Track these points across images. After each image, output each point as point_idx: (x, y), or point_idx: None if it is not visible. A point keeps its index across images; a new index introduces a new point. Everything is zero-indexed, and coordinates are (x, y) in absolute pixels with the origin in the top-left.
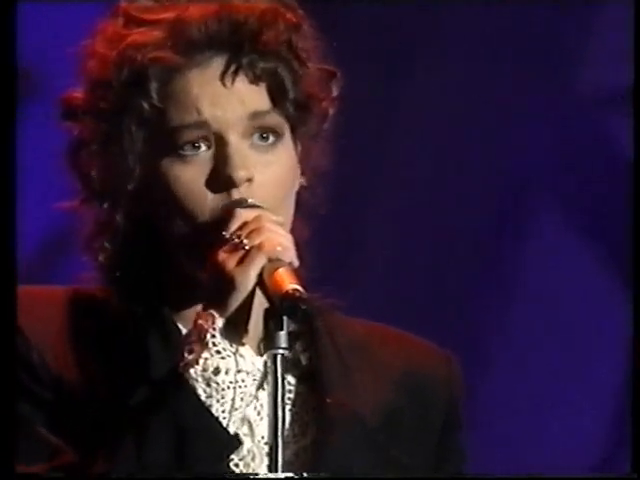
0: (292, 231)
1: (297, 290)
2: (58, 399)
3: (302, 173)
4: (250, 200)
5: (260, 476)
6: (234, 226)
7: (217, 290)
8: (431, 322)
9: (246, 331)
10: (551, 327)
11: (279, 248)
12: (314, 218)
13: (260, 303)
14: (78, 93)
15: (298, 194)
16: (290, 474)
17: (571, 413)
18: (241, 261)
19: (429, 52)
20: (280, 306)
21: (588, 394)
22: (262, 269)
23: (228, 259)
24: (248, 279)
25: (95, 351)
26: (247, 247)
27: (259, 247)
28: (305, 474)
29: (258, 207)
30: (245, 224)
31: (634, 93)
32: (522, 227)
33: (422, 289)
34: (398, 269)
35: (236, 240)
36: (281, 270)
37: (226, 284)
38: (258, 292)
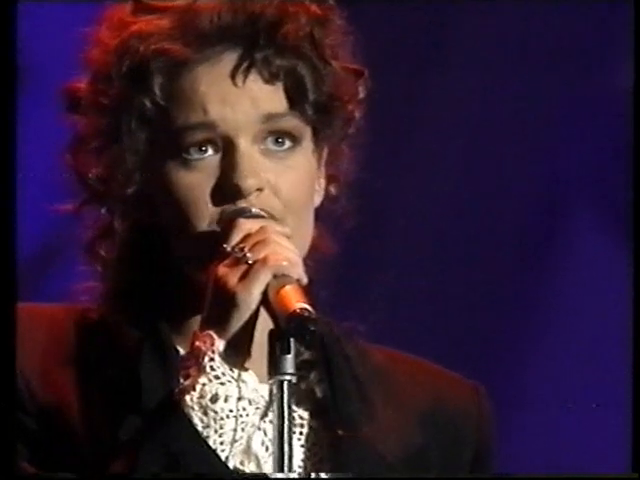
0: (315, 247)
1: (305, 309)
2: (44, 429)
3: (325, 182)
4: (254, 209)
5: (256, 476)
6: (236, 238)
7: (217, 309)
8: (457, 351)
9: (249, 354)
10: (576, 356)
11: (285, 263)
12: (338, 232)
13: (264, 324)
14: (82, 84)
15: (321, 205)
16: (293, 474)
17: (570, 412)
18: (243, 277)
19: (459, 51)
20: (286, 327)
21: (591, 394)
22: (267, 286)
23: (229, 274)
24: (251, 297)
25: (85, 375)
26: (250, 261)
27: (263, 261)
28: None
29: (263, 217)
30: (248, 236)
31: (634, 93)
32: (555, 254)
33: (449, 315)
34: (424, 293)
35: (238, 253)
36: (288, 287)
37: (227, 302)
38: (262, 311)
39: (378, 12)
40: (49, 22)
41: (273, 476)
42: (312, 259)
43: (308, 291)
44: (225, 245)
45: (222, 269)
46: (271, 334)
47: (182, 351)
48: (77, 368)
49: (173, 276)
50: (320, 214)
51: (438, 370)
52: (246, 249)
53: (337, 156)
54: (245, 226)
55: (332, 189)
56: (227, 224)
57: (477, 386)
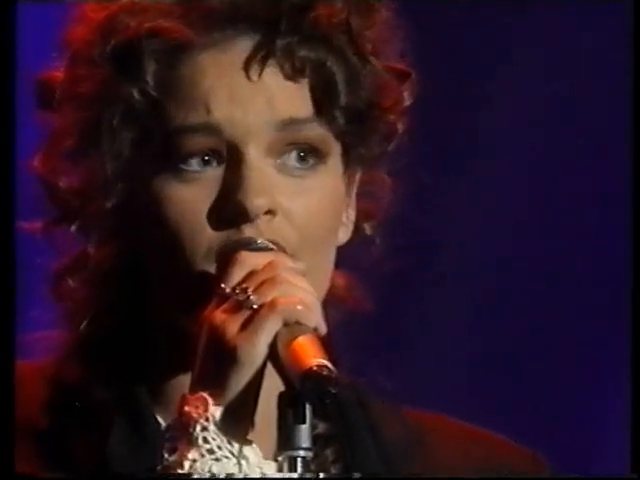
0: (341, 299)
1: (324, 367)
2: None
3: (356, 216)
4: (260, 240)
5: (260, 476)
6: (237, 275)
7: (212, 366)
8: (504, 413)
9: (252, 424)
10: None
11: (299, 307)
12: (371, 280)
13: (272, 385)
14: (60, 72)
15: (350, 245)
16: (294, 474)
17: (570, 412)
18: (246, 325)
19: (522, 53)
20: (301, 389)
21: (591, 394)
22: (275, 337)
23: (228, 322)
24: (256, 351)
25: (41, 449)
26: (255, 305)
27: (271, 306)
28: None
29: (272, 249)
30: (253, 273)
31: (634, 93)
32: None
33: (489, 372)
34: (465, 349)
35: (240, 295)
36: (302, 339)
37: (225, 357)
38: (270, 369)
39: (433, 7)
40: (49, 22)
41: (273, 476)
42: (334, 307)
43: (327, 343)
44: (223, 285)
45: (219, 315)
46: (281, 398)
47: (163, 422)
48: (30, 440)
49: (156, 322)
50: (349, 257)
51: (485, 435)
52: (250, 290)
53: (372, 183)
54: (249, 261)
55: (366, 227)
56: (227, 258)
57: (535, 452)
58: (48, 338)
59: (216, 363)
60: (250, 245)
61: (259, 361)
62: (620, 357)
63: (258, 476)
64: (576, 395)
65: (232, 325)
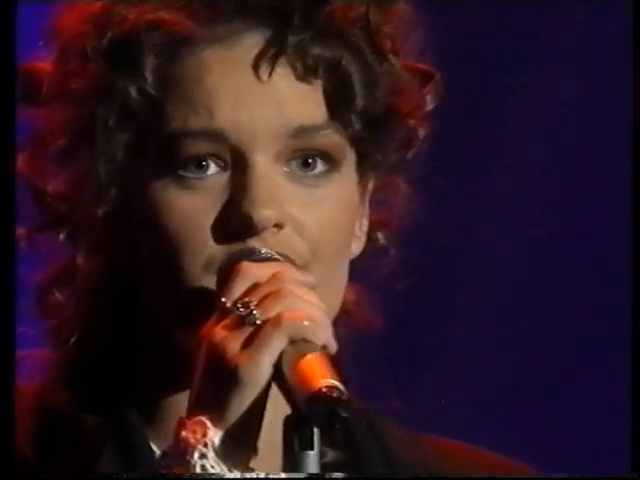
0: (350, 314)
1: (334, 388)
2: None
3: (369, 226)
4: (264, 250)
5: (261, 476)
6: (239, 289)
7: (211, 387)
8: (523, 440)
9: (254, 450)
10: None
11: (307, 323)
12: (383, 296)
13: (277, 407)
14: (46, 64)
15: (361, 257)
16: (296, 474)
17: (570, 412)
18: (249, 343)
19: (550, 53)
20: (309, 412)
21: (588, 393)
22: (280, 355)
23: (229, 339)
24: (259, 371)
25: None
26: (258, 321)
27: (276, 321)
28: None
29: (277, 260)
30: (256, 286)
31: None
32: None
33: (512, 397)
34: (486, 372)
35: (242, 310)
36: (310, 357)
37: (225, 378)
38: (274, 390)
39: (456, 5)
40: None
41: (273, 476)
42: (341, 323)
43: (337, 363)
44: (224, 298)
45: (219, 332)
46: (287, 422)
47: (157, 449)
48: (13, 470)
49: (150, 340)
50: (359, 268)
51: (508, 464)
52: (252, 304)
53: (388, 191)
54: (252, 272)
55: (379, 237)
56: (228, 269)
57: None
58: (32, 358)
59: (216, 384)
60: (253, 255)
61: (262, 382)
62: (620, 357)
63: None
64: (576, 395)
65: (233, 343)
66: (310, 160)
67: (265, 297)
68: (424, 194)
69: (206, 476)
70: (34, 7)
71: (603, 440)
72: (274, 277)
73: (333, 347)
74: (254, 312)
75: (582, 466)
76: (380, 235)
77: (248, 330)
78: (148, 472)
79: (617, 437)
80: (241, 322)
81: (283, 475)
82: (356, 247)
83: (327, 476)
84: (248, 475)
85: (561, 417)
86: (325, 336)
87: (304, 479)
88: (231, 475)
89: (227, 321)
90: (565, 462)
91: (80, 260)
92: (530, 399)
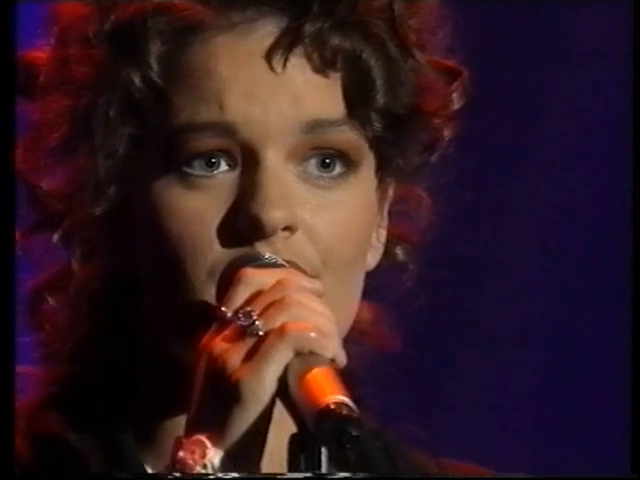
0: (366, 334)
1: (344, 404)
2: None
3: (387, 237)
4: (269, 255)
5: (261, 476)
6: (241, 297)
7: (211, 403)
8: (524, 440)
9: (257, 470)
10: None
11: (313, 334)
12: (400, 315)
13: (282, 425)
14: (44, 52)
15: (377, 272)
16: (296, 474)
17: (570, 413)
18: (251, 355)
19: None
20: (316, 431)
21: (586, 392)
22: (286, 369)
23: (230, 352)
24: (262, 386)
25: None
26: (261, 332)
27: (280, 333)
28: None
29: (282, 266)
30: (259, 294)
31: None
32: None
33: (529, 421)
34: (506, 394)
35: (244, 320)
36: (317, 371)
37: (226, 394)
38: (279, 407)
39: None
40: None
41: (273, 476)
42: (357, 343)
43: (348, 378)
44: (224, 308)
45: (220, 344)
46: (292, 441)
47: (150, 470)
48: None
49: (147, 353)
50: (376, 285)
51: None
52: (255, 314)
53: (408, 200)
54: (255, 279)
55: (398, 251)
56: (229, 276)
57: None
58: (22, 375)
59: (216, 400)
60: (256, 260)
61: (266, 398)
62: (621, 358)
63: None
64: (576, 395)
65: (234, 355)
66: (328, 160)
67: (269, 306)
68: (447, 205)
69: (206, 476)
70: (34, 7)
71: (604, 441)
72: (278, 284)
73: (342, 360)
74: (257, 322)
75: (583, 467)
76: (399, 251)
77: (250, 342)
78: None
79: (618, 438)
80: (243, 333)
81: (283, 475)
82: (372, 258)
83: (328, 476)
84: (249, 475)
85: (561, 417)
86: (333, 348)
87: (304, 479)
88: (231, 475)
89: (228, 332)
90: (565, 462)
91: (75, 264)
92: (541, 404)
